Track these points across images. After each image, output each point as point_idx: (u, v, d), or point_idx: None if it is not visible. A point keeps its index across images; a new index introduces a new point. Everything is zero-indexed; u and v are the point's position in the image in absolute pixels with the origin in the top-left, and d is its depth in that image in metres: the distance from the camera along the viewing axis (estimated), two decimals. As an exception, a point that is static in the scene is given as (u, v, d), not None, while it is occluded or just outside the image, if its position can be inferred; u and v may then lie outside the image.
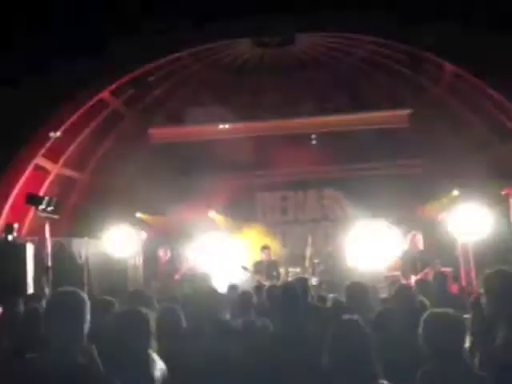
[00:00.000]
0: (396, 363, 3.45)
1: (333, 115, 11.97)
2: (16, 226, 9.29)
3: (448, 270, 9.75)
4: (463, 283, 10.38)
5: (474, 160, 11.50)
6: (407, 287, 5.50)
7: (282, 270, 11.16)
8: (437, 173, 12.16)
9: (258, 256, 11.03)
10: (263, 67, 11.94)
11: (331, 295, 6.76)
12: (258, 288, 7.22)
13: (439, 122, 11.95)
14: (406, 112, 11.68)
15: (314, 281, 10.76)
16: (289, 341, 4.01)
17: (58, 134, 10.20)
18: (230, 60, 11.72)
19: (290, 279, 10.72)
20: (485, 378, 3.12)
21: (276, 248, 11.81)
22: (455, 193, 11.19)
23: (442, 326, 3.19)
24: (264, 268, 10.69)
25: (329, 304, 5.95)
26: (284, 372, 3.76)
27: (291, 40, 11.05)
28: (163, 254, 11.02)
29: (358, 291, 5.00)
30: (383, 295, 6.63)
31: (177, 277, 10.66)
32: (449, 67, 10.24)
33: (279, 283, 10.35)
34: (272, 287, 5.35)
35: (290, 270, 11.25)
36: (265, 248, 10.91)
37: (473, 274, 10.24)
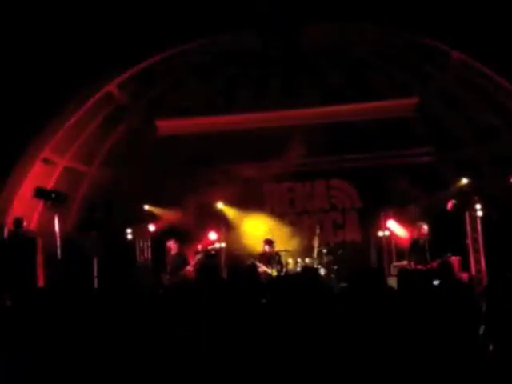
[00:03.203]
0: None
1: (340, 105, 11.90)
2: (25, 219, 9.35)
3: (456, 258, 9.75)
4: (473, 271, 10.35)
5: (483, 148, 11.46)
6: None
7: (290, 260, 11.21)
8: (445, 161, 12.13)
9: (262, 248, 11.13)
10: (269, 58, 11.89)
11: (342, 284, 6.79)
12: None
13: (447, 111, 11.87)
14: (413, 101, 11.60)
15: (322, 271, 10.81)
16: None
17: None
18: (235, 51, 11.67)
19: (298, 269, 10.79)
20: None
21: (284, 239, 11.82)
22: (464, 181, 11.15)
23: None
24: (267, 259, 10.82)
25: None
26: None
27: (296, 31, 10.99)
28: (172, 246, 11.04)
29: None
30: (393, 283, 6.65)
31: (189, 268, 10.69)
32: (456, 55, 10.15)
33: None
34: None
35: (299, 260, 11.27)
36: (267, 242, 11.00)
37: (483, 263, 10.23)
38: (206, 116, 12.24)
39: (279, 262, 10.87)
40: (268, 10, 9.66)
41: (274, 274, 10.59)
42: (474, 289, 8.62)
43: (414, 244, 9.94)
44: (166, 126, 12.18)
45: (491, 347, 3.69)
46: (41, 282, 8.55)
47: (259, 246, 11.47)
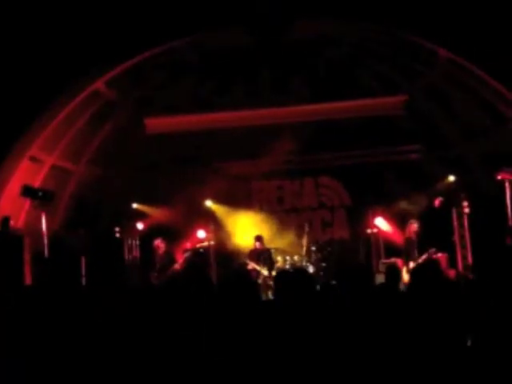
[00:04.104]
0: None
1: (329, 103, 11.92)
2: (12, 218, 9.29)
3: (443, 255, 9.82)
4: (460, 268, 10.43)
5: (470, 146, 11.53)
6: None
7: (279, 258, 11.24)
8: (433, 159, 12.20)
9: (252, 245, 11.13)
10: (258, 55, 11.87)
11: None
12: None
13: (435, 109, 11.93)
14: (401, 98, 11.65)
15: (310, 269, 10.84)
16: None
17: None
18: (223, 48, 11.64)
19: (287, 267, 10.81)
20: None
21: (273, 237, 11.84)
22: (451, 178, 11.22)
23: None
24: (257, 256, 10.81)
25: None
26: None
27: (285, 28, 10.98)
28: (160, 245, 11.01)
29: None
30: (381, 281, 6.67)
31: (176, 266, 10.67)
32: (443, 53, 10.20)
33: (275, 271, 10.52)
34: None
35: (287, 258, 11.29)
36: (258, 238, 11.00)
37: (470, 259, 10.30)
38: (194, 114, 12.22)
39: (270, 259, 10.88)
40: (257, 7, 9.65)
41: (265, 272, 10.59)
42: (460, 285, 8.68)
43: (407, 243, 10.01)
44: (155, 123, 12.14)
45: (470, 342, 3.72)
46: (28, 281, 8.50)
47: (248, 244, 11.47)
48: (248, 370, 3.50)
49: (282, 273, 5.18)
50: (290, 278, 4.64)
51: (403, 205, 11.31)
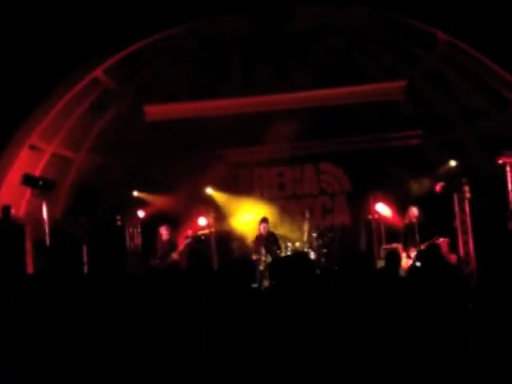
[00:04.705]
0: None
1: (329, 89, 11.87)
2: (13, 206, 9.29)
3: (444, 240, 9.83)
4: (461, 253, 10.44)
5: (471, 130, 11.49)
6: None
7: (283, 245, 11.25)
8: (433, 144, 12.16)
9: (257, 230, 11.13)
10: (257, 41, 11.82)
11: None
12: None
13: (435, 93, 11.88)
14: (401, 83, 11.58)
15: (312, 255, 10.86)
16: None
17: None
18: (223, 35, 11.58)
19: (288, 253, 10.82)
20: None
21: (274, 223, 11.85)
22: (452, 163, 11.19)
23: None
24: (264, 241, 10.79)
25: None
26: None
27: (284, 13, 10.91)
28: (164, 231, 11.02)
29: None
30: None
31: (174, 256, 10.69)
32: (442, 36, 10.13)
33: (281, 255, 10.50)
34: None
35: (289, 245, 11.30)
36: (264, 220, 11.01)
37: (471, 244, 10.31)
38: (194, 101, 12.17)
39: (276, 243, 10.86)
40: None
41: (269, 259, 10.54)
42: (461, 270, 8.71)
43: (406, 228, 10.02)
44: (155, 111, 12.09)
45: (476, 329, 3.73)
46: (30, 269, 8.52)
47: (249, 231, 11.48)
48: (247, 355, 3.51)
49: (276, 260, 5.20)
50: (285, 265, 4.66)
51: (406, 189, 11.31)
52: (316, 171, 13.43)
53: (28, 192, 10.14)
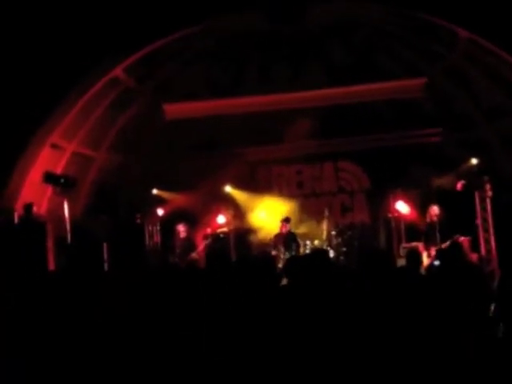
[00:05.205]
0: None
1: (347, 86, 11.81)
2: (35, 204, 9.39)
3: (466, 238, 9.73)
4: (483, 252, 10.32)
5: (492, 128, 11.37)
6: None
7: (302, 243, 11.24)
8: (454, 142, 12.04)
9: (276, 229, 11.14)
10: (275, 40, 11.81)
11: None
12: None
13: (456, 90, 11.76)
14: (421, 81, 11.49)
15: (331, 253, 10.82)
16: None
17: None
18: (239, 34, 11.59)
19: (307, 252, 10.80)
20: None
21: (293, 222, 11.84)
22: (473, 161, 11.07)
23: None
24: (283, 239, 10.81)
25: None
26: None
27: (302, 11, 10.88)
28: (181, 229, 11.08)
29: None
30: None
31: (194, 255, 10.74)
32: (463, 33, 10.03)
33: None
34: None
35: (307, 243, 11.28)
36: (285, 220, 11.03)
37: (492, 243, 10.19)
38: (213, 99, 12.20)
39: (295, 242, 10.88)
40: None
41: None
42: (483, 269, 8.61)
43: (427, 227, 9.95)
44: (174, 109, 12.15)
45: (502, 327, 3.69)
46: (51, 267, 8.61)
47: (268, 229, 11.48)
48: (265, 351, 3.51)
49: (293, 258, 5.19)
50: (302, 262, 4.64)
51: (427, 187, 11.22)
52: (335, 169, 13.38)
53: (49, 190, 10.25)
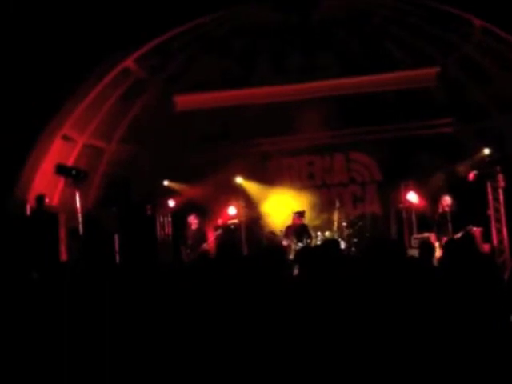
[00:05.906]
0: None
1: (359, 76, 11.73)
2: (46, 196, 9.45)
3: (478, 229, 9.68)
4: (495, 242, 10.27)
5: (505, 118, 11.27)
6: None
7: (313, 234, 11.22)
8: (466, 132, 11.95)
9: (287, 220, 11.13)
10: (286, 30, 11.75)
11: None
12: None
13: (469, 80, 11.66)
14: (434, 70, 11.39)
15: (342, 244, 10.81)
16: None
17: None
18: (252, 24, 11.54)
19: (318, 243, 10.79)
20: None
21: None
22: (486, 151, 10.99)
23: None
24: (295, 230, 10.80)
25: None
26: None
27: (315, 0, 10.81)
28: (193, 221, 11.10)
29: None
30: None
31: (205, 246, 10.77)
32: (478, 22, 9.92)
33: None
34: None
35: (318, 234, 11.28)
36: (299, 213, 11.01)
37: (505, 233, 10.13)
38: (224, 90, 12.17)
39: (307, 233, 10.88)
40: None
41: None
42: (495, 260, 8.58)
43: (439, 217, 9.91)
44: (184, 100, 12.14)
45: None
46: (64, 257, 8.67)
47: (279, 220, 11.47)
48: (278, 341, 3.52)
49: (304, 248, 5.20)
50: (314, 252, 4.63)
51: (439, 178, 11.16)
52: (346, 160, 13.33)
53: (61, 182, 10.30)
